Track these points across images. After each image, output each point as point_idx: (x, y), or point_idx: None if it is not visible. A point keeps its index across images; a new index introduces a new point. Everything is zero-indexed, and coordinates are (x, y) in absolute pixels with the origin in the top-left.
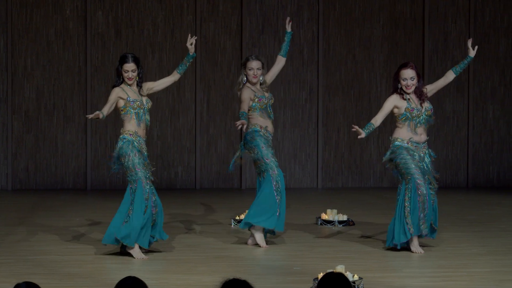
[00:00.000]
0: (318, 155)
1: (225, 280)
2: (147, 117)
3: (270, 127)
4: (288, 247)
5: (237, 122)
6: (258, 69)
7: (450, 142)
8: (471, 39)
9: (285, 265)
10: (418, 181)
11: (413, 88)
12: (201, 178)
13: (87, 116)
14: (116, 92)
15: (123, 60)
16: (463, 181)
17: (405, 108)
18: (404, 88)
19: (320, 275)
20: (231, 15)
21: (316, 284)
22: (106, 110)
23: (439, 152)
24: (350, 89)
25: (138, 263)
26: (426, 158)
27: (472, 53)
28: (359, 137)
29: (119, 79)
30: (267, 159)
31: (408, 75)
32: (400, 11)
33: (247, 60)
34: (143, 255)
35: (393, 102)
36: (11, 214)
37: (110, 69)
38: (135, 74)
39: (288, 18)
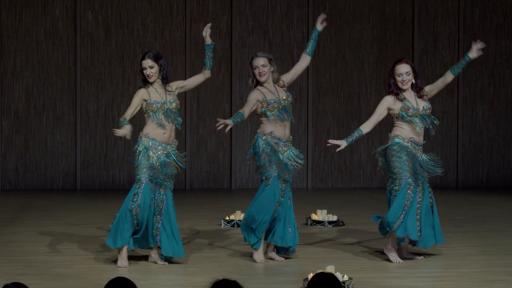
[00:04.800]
0: (308, 156)
1: (215, 281)
2: (171, 118)
3: (280, 132)
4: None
5: (220, 121)
6: (263, 66)
7: (439, 143)
8: (480, 43)
9: (275, 265)
10: (409, 185)
11: (409, 84)
12: (191, 179)
13: (115, 133)
14: (141, 95)
15: (142, 57)
16: (453, 181)
17: (401, 108)
18: (400, 84)
19: (310, 276)
20: (220, 16)
21: (306, 285)
22: (129, 115)
23: (428, 153)
24: (340, 89)
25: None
26: (423, 157)
27: (472, 54)
28: (338, 149)
29: (144, 77)
30: (265, 168)
31: (404, 70)
32: (390, 12)
33: (252, 58)
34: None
35: (385, 105)
36: (0, 214)
37: (99, 69)
38: (154, 71)
39: (323, 16)
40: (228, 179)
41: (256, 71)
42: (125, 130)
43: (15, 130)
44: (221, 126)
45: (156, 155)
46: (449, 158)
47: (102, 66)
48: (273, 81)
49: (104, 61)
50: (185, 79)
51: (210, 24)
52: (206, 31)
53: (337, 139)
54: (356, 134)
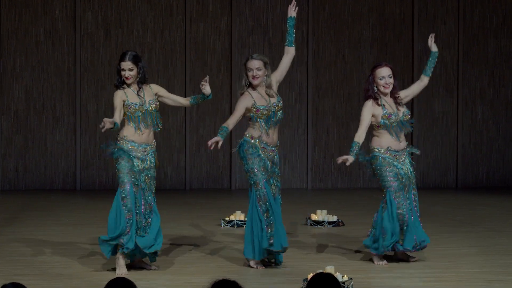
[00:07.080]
0: (308, 156)
1: (214, 281)
2: (150, 119)
3: (267, 137)
4: None
5: (210, 141)
6: (258, 69)
7: (439, 143)
8: (432, 35)
9: (275, 265)
10: (394, 198)
11: (391, 87)
12: (191, 179)
13: (102, 128)
14: (120, 96)
15: (121, 58)
16: (452, 181)
17: (382, 116)
18: (381, 88)
19: (310, 276)
20: (220, 16)
21: (305, 285)
22: (118, 117)
23: (428, 153)
24: (340, 90)
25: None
26: (407, 164)
27: (434, 48)
28: (347, 163)
29: (119, 78)
30: (252, 173)
31: (386, 73)
32: (389, 12)
33: (247, 59)
34: (123, 270)
35: (369, 111)
36: (0, 214)
37: (99, 69)
38: (133, 73)
39: (293, 2)
40: (228, 179)
41: (250, 74)
42: (107, 121)
43: (14, 131)
44: (213, 146)
45: (136, 157)
46: (448, 158)
47: (102, 66)
48: (265, 85)
49: (104, 61)
50: (184, 79)
51: (208, 77)
52: (204, 85)
53: (336, 140)
54: (356, 148)
